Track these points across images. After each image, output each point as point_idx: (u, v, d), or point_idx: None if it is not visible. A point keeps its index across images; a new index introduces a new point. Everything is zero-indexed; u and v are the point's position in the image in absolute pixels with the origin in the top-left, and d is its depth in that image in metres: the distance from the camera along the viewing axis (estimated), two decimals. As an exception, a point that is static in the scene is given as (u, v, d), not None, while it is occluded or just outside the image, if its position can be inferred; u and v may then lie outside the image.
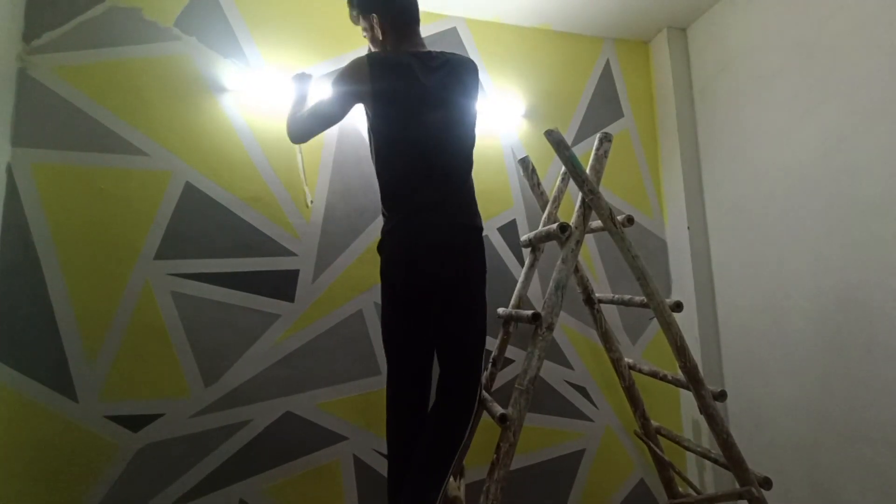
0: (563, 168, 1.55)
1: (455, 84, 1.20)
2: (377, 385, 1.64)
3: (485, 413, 1.25)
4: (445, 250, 1.13)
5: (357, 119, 1.75)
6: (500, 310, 1.55)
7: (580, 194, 1.24)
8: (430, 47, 1.30)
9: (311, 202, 1.63)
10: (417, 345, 1.22)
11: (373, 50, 1.31)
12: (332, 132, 1.73)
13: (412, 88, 1.17)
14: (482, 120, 1.85)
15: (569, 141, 1.95)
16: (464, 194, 1.19)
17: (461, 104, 1.21)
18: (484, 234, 1.76)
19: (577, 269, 1.62)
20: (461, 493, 1.35)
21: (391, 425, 1.23)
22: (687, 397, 1.88)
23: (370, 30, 1.26)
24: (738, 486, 1.23)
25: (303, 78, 1.38)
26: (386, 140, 1.19)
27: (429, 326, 1.20)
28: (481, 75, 1.91)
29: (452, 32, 1.91)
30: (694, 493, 1.53)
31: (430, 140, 1.16)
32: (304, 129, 1.23)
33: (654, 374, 1.56)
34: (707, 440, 1.80)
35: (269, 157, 1.66)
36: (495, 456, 1.10)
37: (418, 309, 1.19)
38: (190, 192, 1.58)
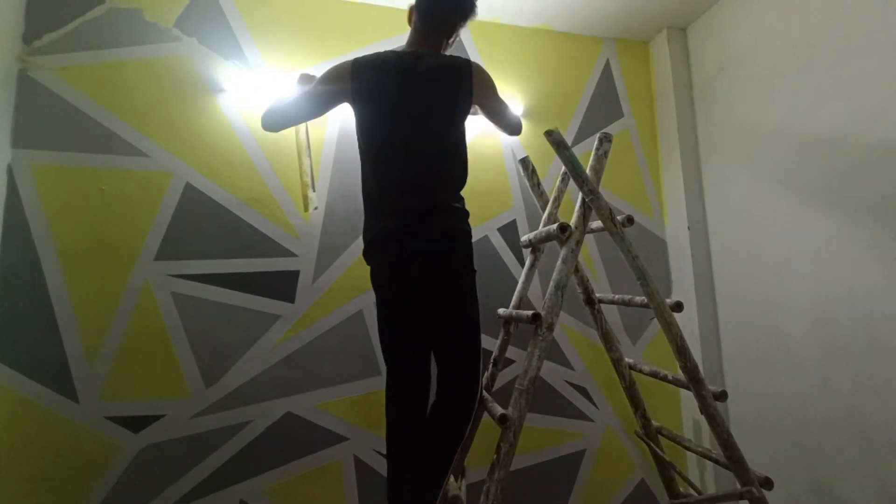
0: (563, 168, 1.55)
1: (441, 86, 1.19)
2: (377, 385, 1.64)
3: (485, 413, 1.25)
4: (431, 256, 1.12)
5: (357, 119, 1.75)
6: (501, 310, 1.55)
7: (580, 194, 1.24)
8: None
9: (315, 208, 1.60)
10: (412, 348, 1.23)
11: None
12: (333, 132, 1.73)
13: (392, 91, 1.16)
14: (482, 120, 1.86)
15: (569, 141, 1.95)
16: (448, 198, 1.18)
17: (444, 108, 1.19)
18: (484, 234, 1.80)
19: (577, 269, 1.62)
20: (462, 494, 1.35)
21: (390, 427, 1.23)
22: (687, 397, 1.88)
23: (409, 12, 1.29)
24: (738, 486, 1.23)
25: (306, 79, 1.38)
26: (367, 142, 1.20)
27: (422, 329, 1.20)
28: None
29: (452, 33, 1.91)
30: (695, 494, 1.53)
31: (411, 143, 1.15)
32: (279, 118, 1.22)
33: (654, 375, 1.56)
34: (708, 440, 1.80)
35: (269, 157, 1.66)
36: (495, 456, 1.10)
37: (410, 313, 1.20)
38: (190, 192, 1.58)
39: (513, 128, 1.38)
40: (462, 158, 1.23)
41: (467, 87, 1.21)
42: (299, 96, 1.22)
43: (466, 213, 1.21)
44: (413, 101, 1.16)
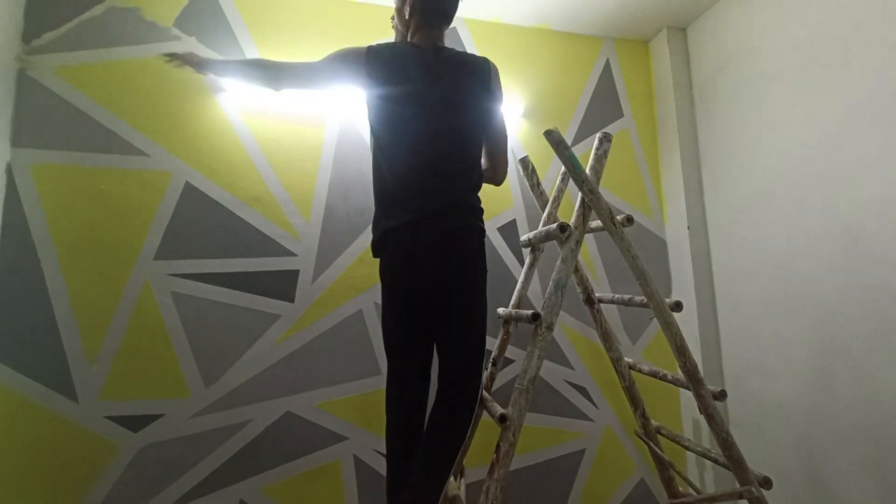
0: (563, 168, 1.55)
1: (462, 84, 1.16)
2: (377, 385, 1.64)
3: (485, 413, 1.25)
4: (444, 252, 1.11)
5: (357, 119, 1.75)
6: (500, 310, 1.55)
7: (580, 194, 1.24)
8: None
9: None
10: (417, 346, 1.22)
11: (397, 27, 1.30)
12: (333, 132, 1.73)
13: (414, 83, 1.13)
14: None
15: (569, 141, 1.95)
16: (465, 196, 1.16)
17: (467, 105, 1.17)
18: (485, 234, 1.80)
19: (576, 269, 1.62)
20: (461, 493, 1.35)
21: (391, 426, 1.23)
22: (687, 397, 1.88)
23: (402, 4, 1.23)
24: (738, 485, 1.23)
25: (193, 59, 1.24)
26: (384, 134, 1.16)
27: (428, 327, 1.19)
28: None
29: (452, 32, 1.91)
30: (694, 493, 1.53)
31: (433, 137, 1.12)
32: (284, 77, 1.18)
33: (654, 374, 1.56)
34: (707, 440, 1.80)
35: (268, 157, 1.66)
36: (495, 456, 1.10)
37: (417, 310, 1.18)
38: (190, 192, 1.58)
39: (497, 170, 1.27)
40: (478, 155, 1.21)
41: (487, 85, 1.20)
42: (310, 63, 1.17)
43: (482, 211, 1.19)
44: (436, 95, 1.13)
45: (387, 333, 1.25)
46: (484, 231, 1.18)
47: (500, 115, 1.26)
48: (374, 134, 1.19)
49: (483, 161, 1.26)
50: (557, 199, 1.55)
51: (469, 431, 1.15)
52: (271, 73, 1.19)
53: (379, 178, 1.18)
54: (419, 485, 1.06)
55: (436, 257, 1.11)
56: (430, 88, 1.13)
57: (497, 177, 1.30)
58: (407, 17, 1.23)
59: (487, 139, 1.24)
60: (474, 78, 1.18)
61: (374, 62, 1.15)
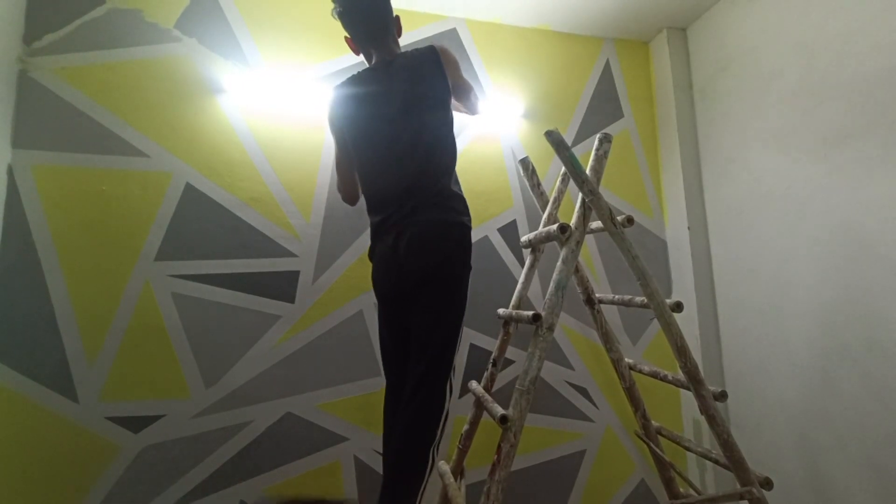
0: (563, 168, 1.55)
1: (417, 81, 1.22)
2: (377, 385, 1.64)
3: (485, 413, 1.25)
4: (424, 248, 1.13)
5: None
6: (501, 310, 1.55)
7: (580, 194, 1.24)
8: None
9: None
10: (406, 348, 1.22)
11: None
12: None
13: (373, 105, 1.23)
14: (482, 120, 1.87)
15: (569, 141, 1.95)
16: (441, 194, 1.18)
17: (428, 97, 1.22)
18: (484, 234, 1.80)
19: (577, 270, 1.62)
20: (462, 494, 1.35)
21: (386, 429, 1.23)
22: (687, 397, 1.88)
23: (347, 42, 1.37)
24: (738, 486, 1.23)
25: None
26: (359, 156, 1.26)
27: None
28: (480, 75, 1.91)
29: (452, 33, 1.91)
30: (695, 494, 1.53)
31: (396, 144, 1.19)
32: (341, 187, 1.37)
33: (654, 375, 1.55)
34: (708, 440, 1.80)
35: (268, 157, 1.66)
36: (496, 457, 1.10)
37: (403, 311, 1.19)
38: (190, 193, 1.58)
39: (473, 110, 1.41)
40: (450, 142, 1.25)
41: (440, 71, 1.24)
42: (336, 159, 1.35)
43: (464, 201, 1.22)
44: (394, 102, 1.20)
45: (380, 337, 1.30)
46: (466, 226, 1.20)
47: (461, 81, 1.31)
48: (354, 154, 1.29)
49: (459, 103, 1.36)
50: (557, 200, 1.55)
51: (437, 433, 1.08)
52: (345, 198, 1.38)
53: (363, 190, 1.29)
54: (392, 494, 1.04)
55: (416, 253, 1.13)
56: (388, 98, 1.21)
57: (471, 113, 1.42)
58: (356, 53, 1.35)
59: (456, 94, 1.30)
60: (426, 71, 1.23)
61: (338, 102, 1.28)
